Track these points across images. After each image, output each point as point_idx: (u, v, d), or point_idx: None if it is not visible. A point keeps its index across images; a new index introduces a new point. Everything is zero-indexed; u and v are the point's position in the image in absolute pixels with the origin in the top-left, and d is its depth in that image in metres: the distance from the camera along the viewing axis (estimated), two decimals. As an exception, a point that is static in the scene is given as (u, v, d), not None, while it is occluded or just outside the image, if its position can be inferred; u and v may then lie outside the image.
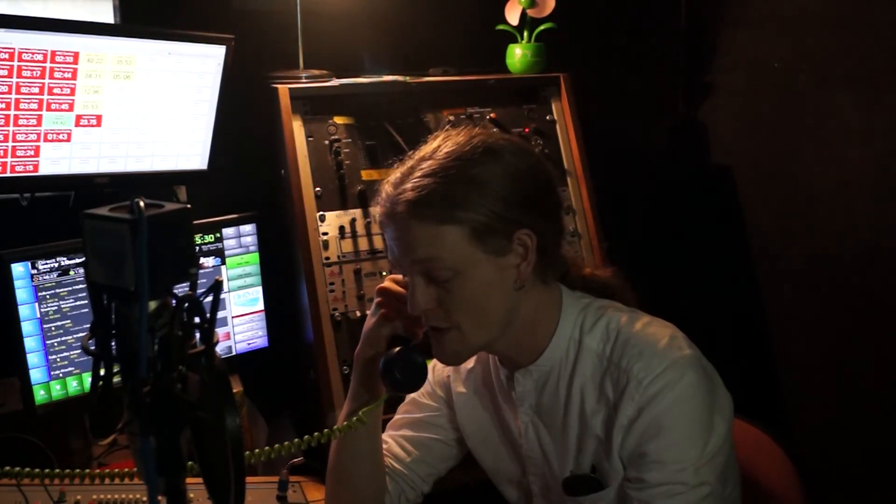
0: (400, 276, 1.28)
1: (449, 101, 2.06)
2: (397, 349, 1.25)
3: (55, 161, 1.67)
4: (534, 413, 1.28)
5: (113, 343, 0.82)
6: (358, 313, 1.84)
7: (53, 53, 1.58)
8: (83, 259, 0.80)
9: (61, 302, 1.67)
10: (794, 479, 1.45)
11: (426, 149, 1.19)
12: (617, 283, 1.33)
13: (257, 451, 1.16)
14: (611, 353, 1.18)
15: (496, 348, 1.27)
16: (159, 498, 0.78)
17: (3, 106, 1.56)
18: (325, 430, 1.21)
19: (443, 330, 1.19)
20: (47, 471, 1.06)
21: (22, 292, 1.62)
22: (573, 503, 1.24)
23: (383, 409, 1.38)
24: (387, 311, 1.29)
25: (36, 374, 1.65)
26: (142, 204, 0.76)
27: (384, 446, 1.41)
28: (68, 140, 1.67)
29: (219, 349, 0.98)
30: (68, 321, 1.68)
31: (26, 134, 1.61)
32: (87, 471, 1.09)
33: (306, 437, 1.19)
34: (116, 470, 1.12)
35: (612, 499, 1.20)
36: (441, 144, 1.18)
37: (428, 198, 1.12)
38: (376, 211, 1.20)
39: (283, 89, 1.86)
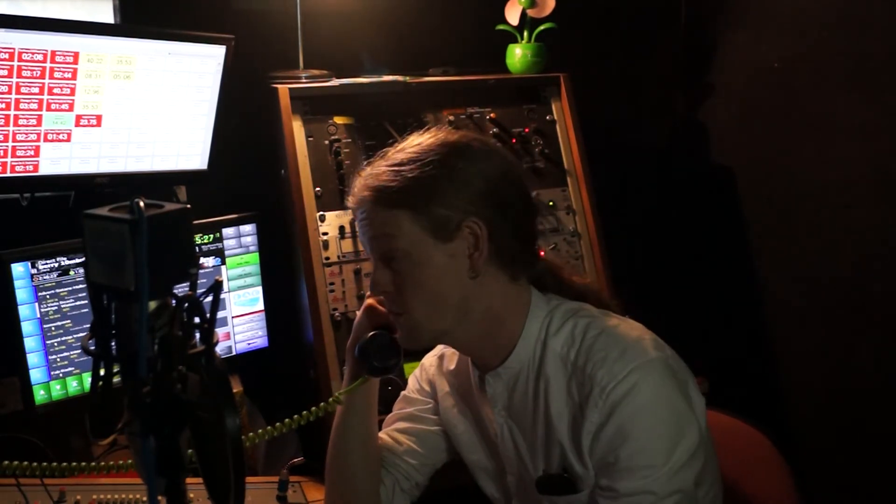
0: None
1: (449, 101, 2.06)
2: (371, 333, 1.33)
3: (55, 161, 1.67)
4: (507, 414, 1.29)
5: (113, 343, 0.82)
6: (358, 313, 1.83)
7: (53, 53, 1.58)
8: (83, 259, 0.80)
9: (61, 302, 1.67)
10: (787, 479, 1.45)
11: (397, 145, 1.27)
12: (594, 289, 1.34)
13: (251, 434, 1.20)
14: (575, 358, 1.18)
15: (459, 341, 1.29)
16: (159, 498, 0.78)
17: (3, 106, 1.56)
18: (304, 412, 1.27)
19: (400, 314, 1.25)
20: (45, 465, 1.06)
21: (22, 292, 1.62)
22: (548, 502, 1.25)
23: (377, 407, 1.41)
24: (374, 302, 1.36)
25: (36, 374, 1.65)
26: (142, 204, 0.76)
27: (380, 443, 1.43)
28: (68, 140, 1.67)
29: (219, 349, 0.98)
30: (68, 321, 1.68)
31: (26, 134, 1.61)
32: (86, 464, 1.09)
33: (286, 420, 1.26)
34: (121, 462, 1.12)
35: (586, 502, 1.20)
36: (410, 141, 1.26)
37: (385, 184, 1.21)
38: (348, 201, 1.29)
39: (283, 89, 1.86)
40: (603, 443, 1.13)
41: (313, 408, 1.28)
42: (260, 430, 1.22)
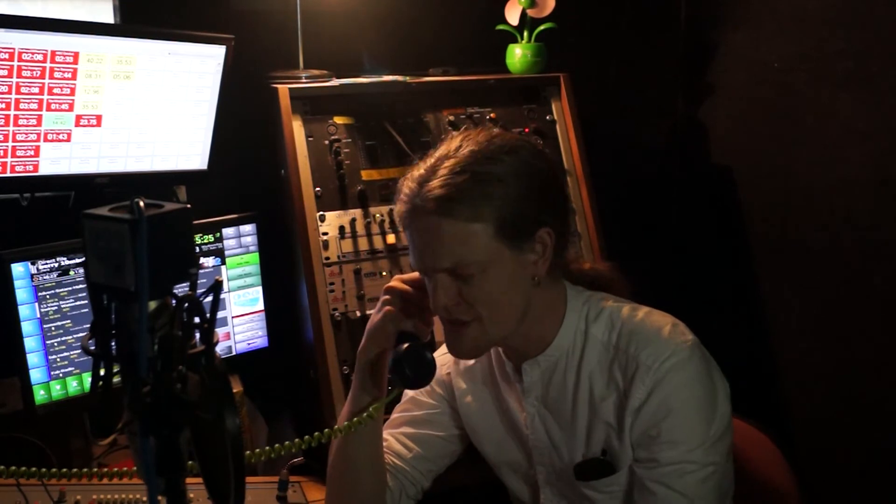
0: (407, 276, 1.31)
1: (449, 101, 2.06)
2: (406, 345, 1.25)
3: (55, 161, 1.67)
4: (540, 404, 1.31)
5: (113, 343, 0.82)
6: (358, 313, 1.83)
7: (53, 53, 1.58)
8: (83, 259, 0.80)
9: (61, 302, 1.67)
10: (790, 479, 1.45)
11: (447, 147, 1.22)
12: (614, 276, 1.38)
13: (258, 451, 1.14)
14: (617, 341, 1.23)
15: (507, 342, 1.30)
16: (159, 498, 0.78)
17: (3, 106, 1.56)
18: (327, 429, 1.20)
19: (462, 324, 1.22)
20: (51, 470, 1.06)
21: (22, 292, 1.62)
22: (585, 487, 1.26)
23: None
24: (394, 308, 1.29)
25: (36, 374, 1.65)
26: (142, 204, 0.76)
27: (384, 444, 1.42)
28: (68, 140, 1.67)
29: (219, 349, 0.98)
30: (68, 321, 1.68)
31: (26, 134, 1.61)
32: (86, 469, 1.09)
33: (307, 437, 1.18)
34: (116, 469, 1.12)
35: (624, 482, 1.23)
36: (462, 143, 1.21)
37: (456, 195, 1.15)
38: (398, 208, 1.22)
39: (283, 89, 1.86)
40: (646, 417, 1.18)
41: (354, 419, 1.22)
42: (277, 445, 1.12)
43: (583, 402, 1.26)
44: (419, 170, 1.20)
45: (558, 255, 1.24)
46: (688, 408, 1.17)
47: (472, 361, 1.41)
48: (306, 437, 1.18)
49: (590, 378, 1.25)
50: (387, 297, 1.31)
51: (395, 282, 1.31)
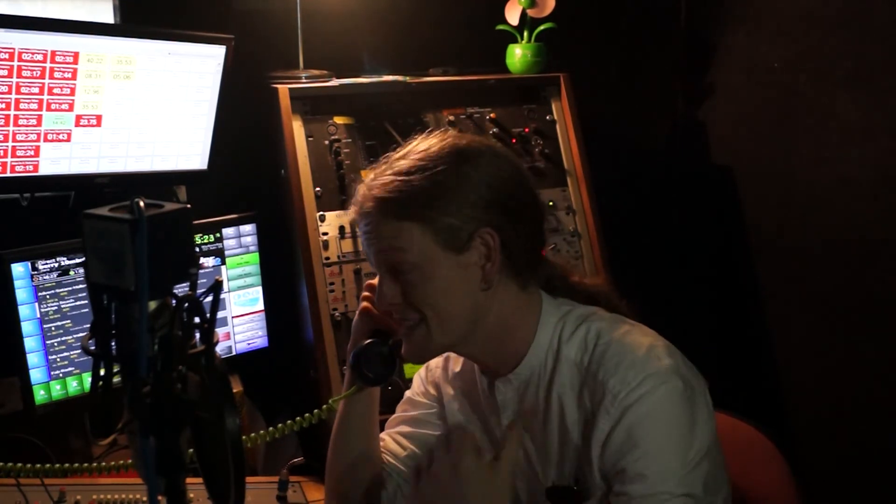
0: None
1: (449, 101, 2.06)
2: (367, 342, 1.28)
3: (55, 161, 1.67)
4: (516, 420, 1.27)
5: (113, 343, 0.82)
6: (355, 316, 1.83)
7: (53, 53, 1.58)
8: (83, 259, 0.80)
9: (61, 302, 1.67)
10: (789, 479, 1.45)
11: (401, 150, 1.22)
12: (605, 290, 1.32)
13: (252, 435, 1.20)
14: (588, 364, 1.16)
15: (468, 352, 1.27)
16: (159, 498, 0.78)
17: (3, 106, 1.56)
18: (306, 415, 1.26)
19: (410, 326, 1.21)
20: (46, 466, 1.06)
21: (22, 292, 1.62)
22: None
23: (379, 406, 1.40)
24: (369, 305, 1.31)
25: (36, 374, 1.65)
26: (142, 204, 0.76)
27: (381, 444, 1.42)
28: (68, 140, 1.67)
29: (219, 349, 0.98)
30: (68, 321, 1.68)
31: (26, 134, 1.61)
32: (86, 465, 1.10)
33: (287, 422, 1.25)
34: (113, 463, 1.13)
35: None
36: (416, 146, 1.21)
37: (392, 195, 1.15)
38: (350, 213, 1.23)
39: (283, 89, 1.86)
40: (612, 450, 1.11)
41: (306, 414, 1.28)
42: (260, 433, 1.22)
43: (553, 425, 1.21)
44: (371, 173, 1.21)
45: (514, 260, 1.18)
46: (656, 439, 1.08)
47: (458, 368, 1.38)
48: (280, 425, 1.26)
49: (560, 400, 1.19)
50: (365, 294, 1.33)
51: (375, 279, 1.31)
